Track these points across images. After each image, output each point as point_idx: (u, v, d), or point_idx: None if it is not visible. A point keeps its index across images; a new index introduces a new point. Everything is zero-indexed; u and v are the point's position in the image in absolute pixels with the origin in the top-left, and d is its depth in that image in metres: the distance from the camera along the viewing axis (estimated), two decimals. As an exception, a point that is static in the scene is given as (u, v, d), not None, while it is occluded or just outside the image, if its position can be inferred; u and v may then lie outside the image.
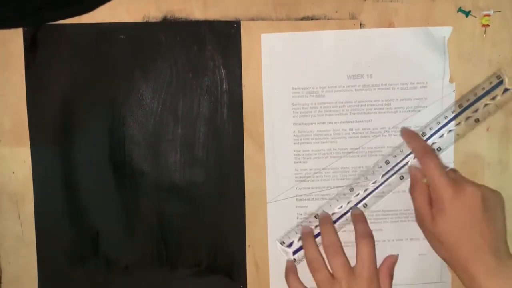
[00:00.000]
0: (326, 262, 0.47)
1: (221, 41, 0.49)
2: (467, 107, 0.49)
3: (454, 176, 0.46)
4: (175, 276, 0.51)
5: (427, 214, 0.46)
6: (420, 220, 0.47)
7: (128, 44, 0.49)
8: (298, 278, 0.49)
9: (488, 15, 0.48)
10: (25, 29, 0.49)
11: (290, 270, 0.49)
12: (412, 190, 0.48)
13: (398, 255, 0.49)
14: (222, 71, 0.49)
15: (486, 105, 0.48)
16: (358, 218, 0.49)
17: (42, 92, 0.49)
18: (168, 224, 0.51)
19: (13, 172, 0.50)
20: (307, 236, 0.49)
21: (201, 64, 0.49)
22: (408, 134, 0.49)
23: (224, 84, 0.50)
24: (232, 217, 0.51)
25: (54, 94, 0.49)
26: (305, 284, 0.49)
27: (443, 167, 0.46)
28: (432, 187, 0.45)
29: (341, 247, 0.47)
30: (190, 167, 0.50)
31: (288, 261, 0.50)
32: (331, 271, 0.47)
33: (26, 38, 0.49)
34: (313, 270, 0.47)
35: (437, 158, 0.46)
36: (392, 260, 0.49)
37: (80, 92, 0.49)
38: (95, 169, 0.50)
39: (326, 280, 0.46)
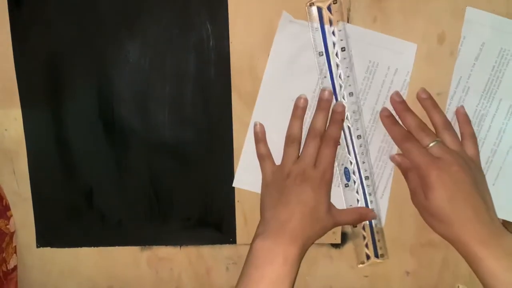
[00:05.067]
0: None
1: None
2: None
3: (437, 151, 0.47)
4: (167, 230, 0.53)
5: (420, 193, 0.47)
6: (415, 199, 0.49)
7: (114, 0, 0.48)
8: (266, 145, 0.50)
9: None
10: (8, -15, 0.48)
11: (259, 138, 0.50)
12: (404, 174, 0.50)
13: (376, 215, 0.51)
14: (209, 27, 0.48)
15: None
16: (336, 119, 0.49)
17: (29, 50, 0.49)
18: (159, 180, 0.52)
19: (6, 130, 0.51)
20: (299, 113, 0.50)
21: (187, 19, 0.48)
22: (387, 122, 0.49)
23: (211, 41, 0.49)
24: (221, 173, 0.52)
25: (41, 51, 0.49)
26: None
27: (423, 147, 0.47)
28: (417, 168, 0.47)
29: (321, 136, 0.49)
30: (179, 125, 0.51)
31: (255, 126, 0.50)
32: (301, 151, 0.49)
33: (10, -4, 0.48)
34: (287, 142, 0.49)
35: (415, 140, 0.48)
36: (365, 212, 0.51)
37: (67, 50, 0.49)
38: (86, 126, 0.51)
39: (293, 155, 0.48)
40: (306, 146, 0.48)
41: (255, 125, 0.50)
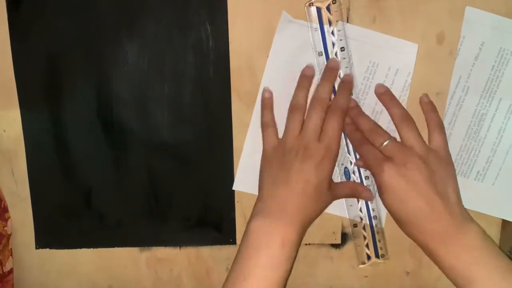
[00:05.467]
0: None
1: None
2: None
3: (389, 151, 0.45)
4: (166, 230, 0.53)
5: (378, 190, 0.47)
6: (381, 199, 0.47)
7: (113, 0, 0.48)
8: (272, 113, 0.49)
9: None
10: (6, -15, 0.48)
11: (266, 105, 0.49)
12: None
13: (373, 197, 0.50)
14: (208, 27, 0.48)
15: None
16: (345, 87, 0.48)
17: (27, 50, 0.49)
18: (158, 180, 0.52)
19: (4, 131, 0.51)
20: (305, 82, 0.48)
21: (187, 20, 0.48)
22: (348, 130, 0.49)
23: (210, 41, 0.49)
24: (221, 173, 0.52)
25: (39, 52, 0.49)
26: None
27: (375, 149, 0.46)
28: (371, 171, 0.46)
29: (327, 106, 0.47)
30: (178, 125, 0.50)
31: (264, 91, 0.49)
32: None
33: (8, -5, 0.48)
34: (291, 110, 0.47)
35: (368, 144, 0.47)
36: (362, 189, 0.50)
37: (66, 50, 0.49)
38: (85, 126, 0.51)
39: (295, 126, 0.46)
40: (309, 118, 0.46)
41: (264, 90, 0.48)
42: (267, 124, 0.48)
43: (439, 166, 0.45)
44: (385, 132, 0.47)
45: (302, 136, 0.46)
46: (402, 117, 0.46)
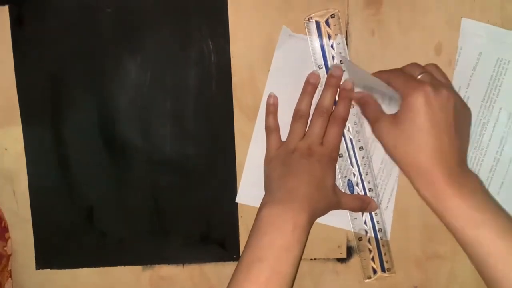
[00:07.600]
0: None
1: (208, 12, 0.48)
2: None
3: (426, 79, 0.44)
4: (169, 247, 0.52)
5: (384, 119, 0.45)
6: (377, 128, 0.45)
7: (115, 18, 0.49)
8: (276, 118, 0.50)
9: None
10: (11, 5, 0.48)
11: (270, 111, 0.50)
12: (363, 109, 0.48)
13: (377, 206, 0.51)
14: (210, 42, 0.49)
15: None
16: (344, 96, 0.48)
17: (30, 68, 0.49)
18: (160, 196, 0.51)
19: (6, 149, 0.51)
20: (310, 89, 0.49)
21: (188, 36, 0.49)
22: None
23: (212, 56, 0.49)
24: (224, 188, 0.51)
25: (42, 70, 0.49)
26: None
27: (407, 74, 0.45)
28: (404, 91, 0.43)
29: (330, 116, 0.48)
30: (181, 140, 0.50)
31: (269, 97, 0.50)
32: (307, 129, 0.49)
33: (12, 14, 0.48)
34: (295, 117, 0.49)
35: (400, 71, 0.46)
36: (368, 200, 0.50)
37: (69, 67, 0.49)
38: (86, 143, 0.51)
39: (299, 132, 0.48)
40: (312, 124, 0.48)
41: (269, 96, 0.50)
42: (271, 128, 0.50)
43: (464, 108, 0.45)
44: (422, 66, 0.46)
45: (306, 140, 0.48)
46: (429, 64, 0.47)
